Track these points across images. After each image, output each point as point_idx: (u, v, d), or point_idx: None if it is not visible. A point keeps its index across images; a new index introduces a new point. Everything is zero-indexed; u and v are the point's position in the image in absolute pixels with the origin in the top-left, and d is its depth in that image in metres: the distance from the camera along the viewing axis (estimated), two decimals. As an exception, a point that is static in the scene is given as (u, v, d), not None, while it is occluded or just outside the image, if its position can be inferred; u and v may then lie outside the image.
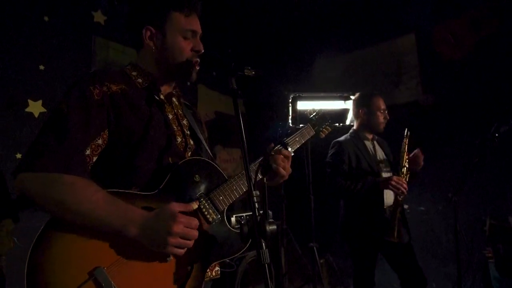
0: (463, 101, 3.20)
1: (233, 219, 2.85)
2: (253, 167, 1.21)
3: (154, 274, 0.97)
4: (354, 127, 2.65)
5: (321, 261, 3.53)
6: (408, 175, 2.30)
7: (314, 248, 3.26)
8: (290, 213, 3.71)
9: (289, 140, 1.33)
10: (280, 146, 1.30)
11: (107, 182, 1.02)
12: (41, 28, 2.40)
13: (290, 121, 3.30)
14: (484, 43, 3.10)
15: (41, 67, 2.39)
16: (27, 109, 2.30)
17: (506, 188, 2.94)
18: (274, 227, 1.04)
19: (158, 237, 0.92)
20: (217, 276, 1.18)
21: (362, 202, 2.35)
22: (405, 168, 2.31)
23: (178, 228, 0.92)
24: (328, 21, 4.03)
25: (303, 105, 3.34)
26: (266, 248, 0.97)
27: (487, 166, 2.71)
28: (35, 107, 2.33)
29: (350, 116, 3.45)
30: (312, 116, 1.52)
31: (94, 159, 1.01)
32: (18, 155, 2.21)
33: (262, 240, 0.97)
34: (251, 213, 0.96)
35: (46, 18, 2.43)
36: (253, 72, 1.13)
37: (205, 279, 1.08)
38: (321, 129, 1.52)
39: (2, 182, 2.13)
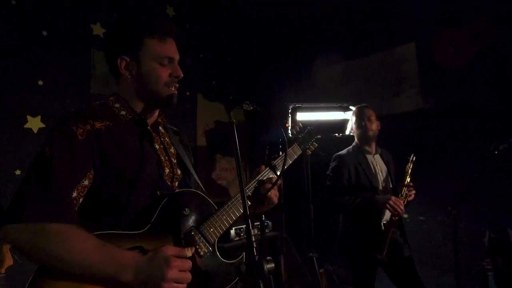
0: (464, 111, 3.19)
1: (232, 231, 2.85)
2: (247, 191, 1.24)
3: None
4: (356, 140, 2.65)
5: (321, 270, 3.54)
6: (407, 198, 2.31)
7: (314, 258, 3.28)
8: (290, 222, 3.72)
9: (277, 162, 1.35)
10: (269, 169, 1.32)
11: (94, 221, 1.01)
12: (39, 43, 2.40)
13: (289, 131, 3.30)
14: (485, 53, 3.09)
15: (40, 82, 2.39)
16: (26, 125, 2.30)
17: (506, 200, 2.93)
18: (272, 265, 1.05)
19: (151, 283, 0.91)
20: None
21: (360, 217, 2.36)
22: (405, 189, 2.32)
23: (172, 273, 0.91)
24: (328, 30, 4.01)
25: (302, 116, 3.35)
26: (264, 290, 0.97)
27: (488, 178, 2.71)
28: (34, 123, 2.32)
29: (349, 126, 3.46)
30: (298, 134, 1.54)
31: (81, 200, 0.99)
32: (18, 172, 2.21)
33: (260, 281, 0.97)
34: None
35: (44, 33, 2.42)
36: (252, 107, 1.13)
37: None
38: (308, 146, 1.56)
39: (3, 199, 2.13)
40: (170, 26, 1.15)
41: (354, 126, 2.59)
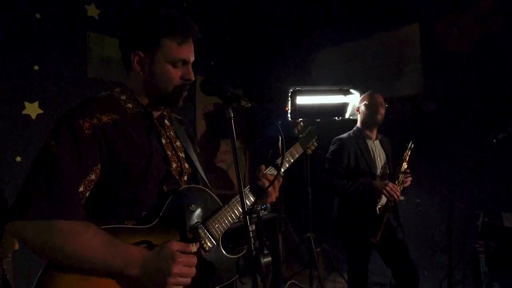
0: (465, 96, 3.16)
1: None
2: (246, 191, 1.26)
3: None
4: (358, 125, 2.64)
5: (318, 250, 3.65)
6: (403, 185, 2.35)
7: (311, 238, 3.37)
8: (289, 204, 3.79)
9: (279, 161, 1.36)
10: (272, 167, 1.34)
11: (101, 214, 1.03)
12: (33, 26, 2.33)
13: (289, 115, 3.29)
14: (490, 38, 3.02)
15: (36, 67, 2.35)
16: (24, 112, 2.29)
17: (501, 184, 2.98)
18: (269, 259, 1.09)
19: (158, 277, 0.94)
20: None
21: (356, 200, 2.40)
22: (402, 176, 2.35)
23: (177, 268, 0.94)
24: (329, 10, 3.89)
25: (302, 100, 3.32)
26: (261, 282, 1.01)
27: (484, 164, 2.74)
28: (32, 109, 2.31)
29: (349, 109, 3.44)
30: (300, 134, 1.57)
31: (87, 194, 1.00)
32: (18, 158, 2.23)
33: (258, 275, 1.01)
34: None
35: (38, 16, 2.35)
36: (249, 104, 1.12)
37: None
38: (309, 146, 1.60)
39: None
40: (192, 28, 1.12)
41: (362, 109, 2.56)
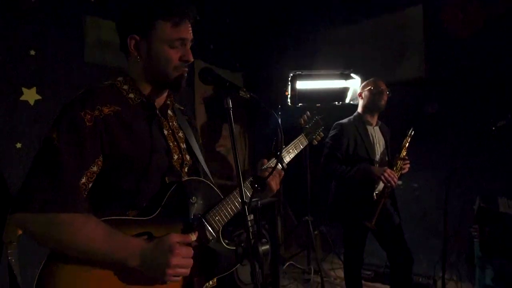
0: (467, 82, 3.13)
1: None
2: (248, 184, 1.26)
3: None
4: (359, 110, 2.62)
5: (315, 232, 3.73)
6: (401, 171, 2.37)
7: (309, 221, 3.44)
8: (288, 187, 3.84)
9: (283, 153, 1.36)
10: (275, 159, 1.33)
11: (103, 205, 1.05)
12: (28, 11, 2.27)
13: (288, 100, 3.27)
14: (494, 21, 2.95)
15: (32, 52, 2.31)
16: (22, 98, 2.27)
17: (498, 169, 3.00)
18: (267, 247, 1.11)
19: (157, 269, 0.97)
20: (213, 285, 1.27)
21: (353, 186, 2.43)
22: (400, 162, 2.37)
23: (175, 260, 0.97)
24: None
25: (302, 84, 3.29)
26: (259, 269, 1.04)
27: (483, 150, 2.75)
28: (30, 95, 2.29)
29: (350, 94, 3.42)
30: (306, 125, 1.53)
31: (90, 185, 1.01)
32: (19, 145, 2.23)
33: (256, 263, 1.04)
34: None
35: (32, -1, 2.30)
36: (248, 95, 1.12)
37: None
38: (314, 136, 1.56)
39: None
40: (189, 9, 1.10)
41: (366, 94, 2.55)
